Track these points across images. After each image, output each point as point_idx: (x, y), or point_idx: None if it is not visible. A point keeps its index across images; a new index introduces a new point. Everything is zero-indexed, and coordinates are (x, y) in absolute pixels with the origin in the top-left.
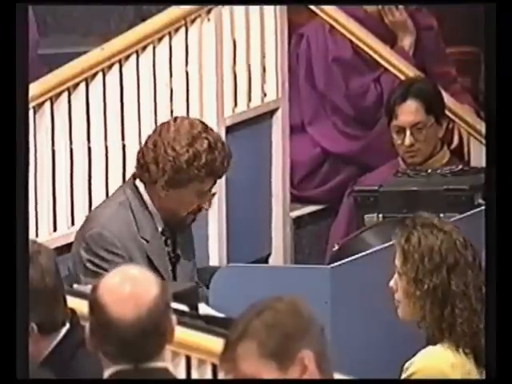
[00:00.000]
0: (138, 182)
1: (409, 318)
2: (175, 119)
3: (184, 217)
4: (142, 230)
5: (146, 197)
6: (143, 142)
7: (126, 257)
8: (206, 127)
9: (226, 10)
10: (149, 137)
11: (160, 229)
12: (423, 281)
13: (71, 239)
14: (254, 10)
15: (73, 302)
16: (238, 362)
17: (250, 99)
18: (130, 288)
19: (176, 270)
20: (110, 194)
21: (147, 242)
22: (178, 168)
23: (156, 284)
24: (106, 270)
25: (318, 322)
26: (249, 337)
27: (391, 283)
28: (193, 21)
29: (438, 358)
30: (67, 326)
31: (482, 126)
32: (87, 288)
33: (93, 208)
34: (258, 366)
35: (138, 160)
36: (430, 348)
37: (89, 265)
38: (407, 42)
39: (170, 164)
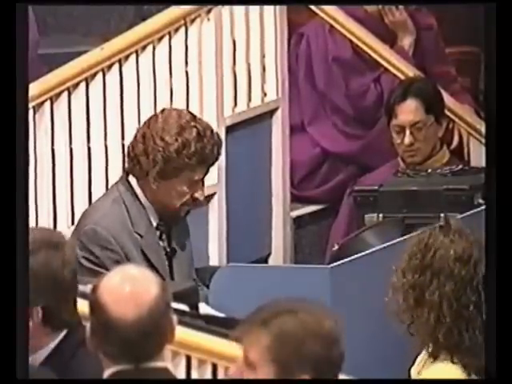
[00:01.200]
0: (130, 178)
1: (392, 306)
2: (163, 111)
3: (178, 208)
4: (136, 225)
5: (138, 191)
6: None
7: (120, 252)
8: (194, 117)
9: (225, 9)
10: (138, 130)
11: (154, 223)
12: (406, 275)
13: None
14: (254, 9)
15: None
16: (247, 340)
17: (249, 99)
18: (130, 288)
19: (172, 265)
20: (95, 203)
21: (141, 237)
22: (168, 158)
23: (156, 284)
24: (100, 267)
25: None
26: (268, 329)
27: None
28: (193, 21)
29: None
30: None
31: (481, 126)
32: (87, 288)
33: (80, 216)
34: (260, 360)
35: (128, 154)
36: (441, 365)
37: (83, 261)
38: (407, 41)
39: (160, 154)
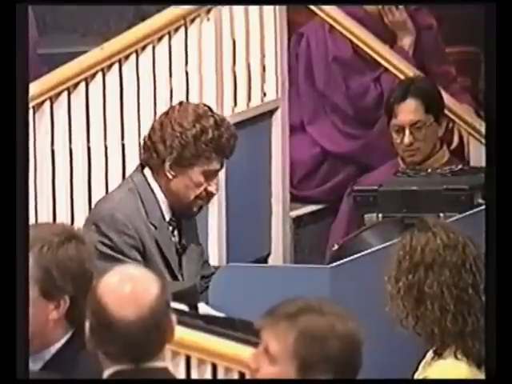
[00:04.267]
0: (145, 170)
1: (393, 314)
2: (180, 103)
3: (192, 202)
4: (151, 216)
5: (153, 184)
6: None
7: (136, 238)
8: (210, 109)
9: (225, 9)
10: (154, 121)
11: (167, 218)
12: (399, 279)
13: None
14: (254, 9)
15: None
16: (270, 332)
17: (249, 99)
18: (129, 287)
19: (182, 261)
20: (109, 193)
21: (156, 228)
22: (186, 143)
23: (156, 283)
24: (117, 252)
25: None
26: (295, 325)
27: None
28: (192, 20)
29: (452, 372)
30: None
31: (481, 126)
32: None
33: (93, 206)
34: (282, 356)
35: (144, 144)
36: (444, 362)
37: (100, 246)
38: (407, 41)
39: (178, 140)
